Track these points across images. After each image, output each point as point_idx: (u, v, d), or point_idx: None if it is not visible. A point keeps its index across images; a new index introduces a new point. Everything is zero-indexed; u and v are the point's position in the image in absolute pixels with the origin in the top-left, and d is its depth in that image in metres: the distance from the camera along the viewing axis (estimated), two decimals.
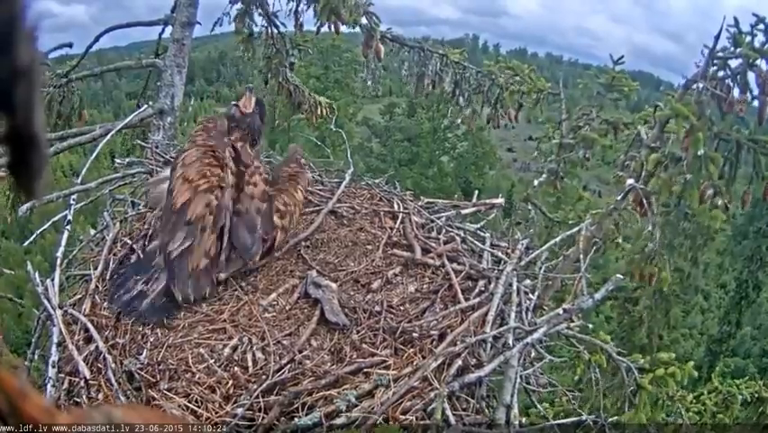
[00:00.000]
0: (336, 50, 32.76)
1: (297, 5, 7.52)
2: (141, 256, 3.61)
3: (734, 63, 6.20)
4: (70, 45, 6.84)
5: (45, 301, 3.21)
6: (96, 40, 6.82)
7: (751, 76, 6.17)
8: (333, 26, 7.27)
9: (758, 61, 6.06)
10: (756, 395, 4.98)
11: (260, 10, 7.78)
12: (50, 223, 4.27)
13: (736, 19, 6.14)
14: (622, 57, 8.41)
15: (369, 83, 8.41)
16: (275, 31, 8.06)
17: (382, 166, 34.49)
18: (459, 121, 9.30)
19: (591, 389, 4.07)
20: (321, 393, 2.76)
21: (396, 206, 4.46)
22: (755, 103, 6.26)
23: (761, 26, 6.03)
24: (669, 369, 4.01)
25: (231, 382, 2.81)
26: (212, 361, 2.93)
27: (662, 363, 4.13)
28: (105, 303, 3.30)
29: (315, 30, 7.63)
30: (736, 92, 6.20)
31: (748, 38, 6.05)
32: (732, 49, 6.16)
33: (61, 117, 7.02)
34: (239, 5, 7.64)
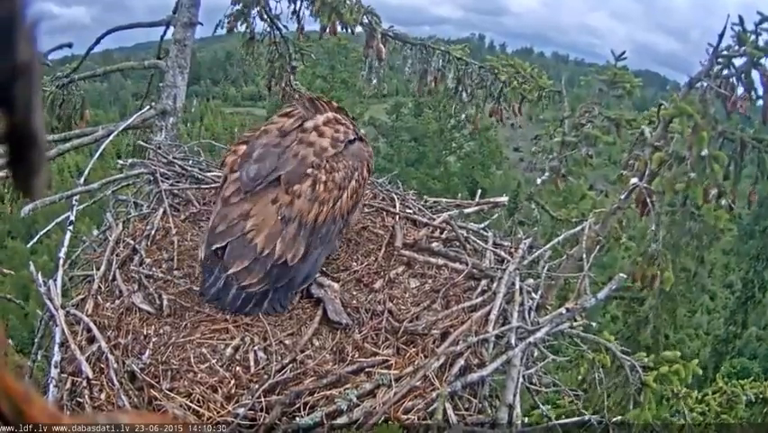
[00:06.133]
0: (342, 49, 32.63)
1: (297, 6, 7.52)
2: None
3: (738, 62, 6.18)
4: (70, 45, 6.84)
5: (48, 302, 3.22)
6: (98, 41, 6.83)
7: (755, 74, 6.14)
8: (330, 27, 7.26)
9: (763, 60, 6.03)
10: (761, 395, 4.95)
11: (262, 11, 7.76)
12: (53, 223, 4.28)
13: (740, 17, 6.11)
14: (624, 53, 8.36)
15: (374, 81, 8.37)
16: (278, 34, 8.06)
17: (389, 166, 34.38)
18: (463, 117, 9.25)
19: (595, 388, 4.05)
20: (322, 393, 2.77)
21: (397, 205, 4.45)
22: (760, 102, 6.23)
23: (765, 25, 6.00)
24: (673, 367, 3.99)
25: (233, 381, 2.81)
26: (214, 361, 2.93)
27: (666, 361, 4.11)
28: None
29: (318, 31, 7.63)
30: (740, 90, 6.17)
31: (752, 36, 6.02)
32: (736, 47, 6.13)
33: (61, 120, 7.01)
34: (239, 6, 7.64)
